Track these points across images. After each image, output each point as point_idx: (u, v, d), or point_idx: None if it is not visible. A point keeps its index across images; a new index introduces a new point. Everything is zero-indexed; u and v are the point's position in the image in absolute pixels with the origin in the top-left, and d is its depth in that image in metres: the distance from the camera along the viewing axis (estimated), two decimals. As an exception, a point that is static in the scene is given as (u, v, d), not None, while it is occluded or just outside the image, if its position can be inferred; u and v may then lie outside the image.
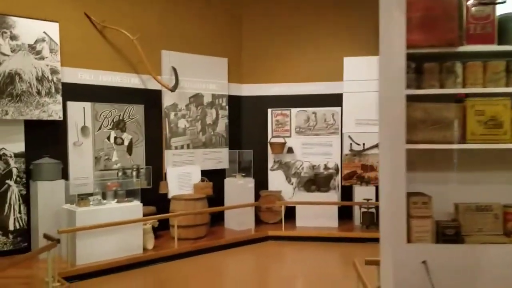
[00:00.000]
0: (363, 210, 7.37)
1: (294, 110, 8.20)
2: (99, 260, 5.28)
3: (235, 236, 6.64)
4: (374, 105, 7.96)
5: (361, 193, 7.61)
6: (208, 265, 5.86)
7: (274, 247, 6.77)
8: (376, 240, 6.69)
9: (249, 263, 6.13)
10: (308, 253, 6.44)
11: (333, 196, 7.56)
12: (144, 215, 5.80)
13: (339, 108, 8.10)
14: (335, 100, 8.11)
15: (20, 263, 3.93)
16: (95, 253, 5.26)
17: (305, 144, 8.19)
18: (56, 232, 5.19)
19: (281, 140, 8.07)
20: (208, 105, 7.83)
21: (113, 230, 5.37)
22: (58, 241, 4.44)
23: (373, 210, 7.36)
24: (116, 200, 5.74)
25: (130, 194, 5.89)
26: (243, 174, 7.46)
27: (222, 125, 8.03)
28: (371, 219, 7.29)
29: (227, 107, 8.08)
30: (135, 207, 5.67)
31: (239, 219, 7.17)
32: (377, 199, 7.53)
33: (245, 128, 8.43)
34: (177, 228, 6.04)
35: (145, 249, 5.78)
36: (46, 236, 4.59)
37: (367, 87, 8.02)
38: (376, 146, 8.05)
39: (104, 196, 5.70)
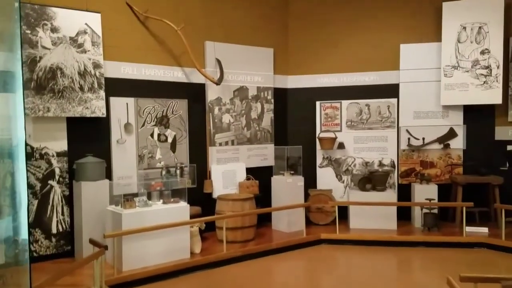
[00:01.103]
0: (425, 211, 6.83)
1: (345, 102, 7.73)
2: (145, 265, 5.04)
3: (286, 240, 6.27)
4: (434, 96, 7.40)
5: (422, 192, 7.07)
6: (260, 270, 5.52)
7: (328, 251, 6.36)
8: (441, 244, 6.14)
9: (303, 269, 5.74)
10: (367, 259, 5.99)
11: (391, 195, 7.06)
12: (190, 216, 5.51)
13: (395, 99, 7.58)
14: (391, 91, 7.60)
15: (71, 271, 3.68)
16: (141, 258, 5.02)
17: (357, 139, 7.71)
18: (100, 235, 5.01)
19: (331, 135, 7.62)
20: (253, 98, 7.47)
21: (160, 233, 5.12)
22: (106, 247, 4.20)
23: (436, 211, 6.81)
24: (161, 200, 5.48)
25: (176, 194, 5.62)
26: (292, 172, 7.07)
27: (267, 120, 7.66)
28: (434, 221, 6.74)
29: (272, 100, 7.70)
30: (182, 209, 5.40)
31: (288, 220, 6.79)
32: (440, 198, 6.97)
33: (292, 122, 8.03)
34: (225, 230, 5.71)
35: (192, 253, 5.50)
36: (92, 242, 4.36)
37: (426, 77, 7.48)
38: (437, 140, 7.48)
39: (149, 197, 5.45)
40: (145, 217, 5.07)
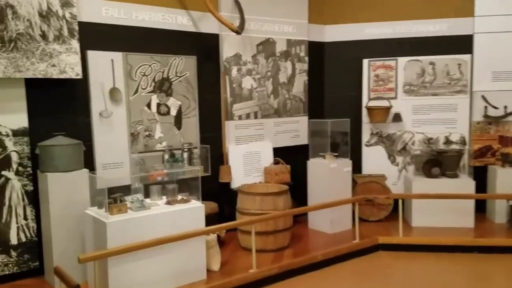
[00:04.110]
0: (513, 204, 5.47)
1: (402, 60, 6.25)
2: (143, 295, 3.69)
3: (335, 248, 4.89)
4: (522, 50, 5.91)
5: (506, 177, 5.71)
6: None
7: (390, 262, 5.00)
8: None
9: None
10: (447, 273, 4.64)
11: (468, 183, 5.66)
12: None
13: (469, 56, 6.13)
14: (463, 44, 6.15)
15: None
16: (136, 285, 3.67)
17: (418, 109, 6.27)
18: (78, 249, 3.79)
19: (384, 103, 6.17)
20: (282, 55, 5.99)
21: (163, 249, 3.75)
22: (78, 287, 2.81)
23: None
24: (165, 198, 4.10)
25: (183, 187, 4.24)
26: (336, 154, 5.65)
27: (299, 84, 6.20)
28: (525, 218, 5.38)
29: (306, 58, 6.22)
30: (195, 211, 4.01)
31: (332, 218, 5.44)
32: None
33: (330, 87, 6.57)
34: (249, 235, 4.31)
35: (208, 270, 4.16)
36: (58, 274, 2.98)
37: (510, 25, 5.93)
38: (524, 109, 6.03)
39: (146, 193, 4.07)
40: (141, 225, 3.69)
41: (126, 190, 4.02)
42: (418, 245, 5.17)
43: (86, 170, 4.09)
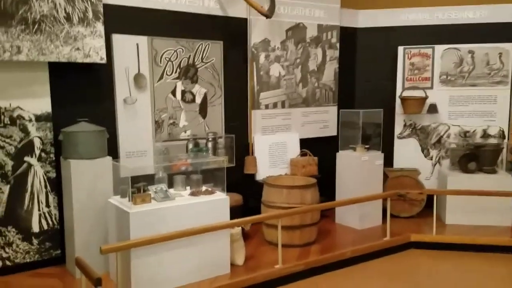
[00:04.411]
0: (557, 203, 5.19)
1: (439, 48, 5.98)
2: (166, 288, 3.62)
3: (365, 245, 4.73)
4: None
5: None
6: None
7: (423, 261, 4.81)
8: None
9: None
10: (484, 275, 4.43)
11: (506, 179, 5.43)
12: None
13: (510, 44, 5.84)
14: (505, 32, 5.89)
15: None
16: (158, 278, 3.60)
17: (455, 100, 6.01)
18: (100, 239, 3.73)
19: (419, 93, 5.94)
20: (312, 41, 5.80)
21: (186, 241, 3.66)
22: (99, 282, 2.73)
23: None
24: (189, 189, 4.01)
25: (207, 178, 4.14)
26: (367, 146, 5.46)
27: (330, 72, 6.01)
28: None
29: (338, 45, 6.01)
30: (220, 203, 3.90)
31: (361, 213, 5.27)
32: None
33: (362, 76, 6.35)
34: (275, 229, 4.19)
35: (232, 264, 4.06)
36: (80, 265, 2.91)
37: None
38: None
39: (170, 183, 3.98)
40: (165, 216, 3.60)
41: (149, 179, 3.93)
42: (452, 244, 4.98)
43: (109, 158, 4.02)
